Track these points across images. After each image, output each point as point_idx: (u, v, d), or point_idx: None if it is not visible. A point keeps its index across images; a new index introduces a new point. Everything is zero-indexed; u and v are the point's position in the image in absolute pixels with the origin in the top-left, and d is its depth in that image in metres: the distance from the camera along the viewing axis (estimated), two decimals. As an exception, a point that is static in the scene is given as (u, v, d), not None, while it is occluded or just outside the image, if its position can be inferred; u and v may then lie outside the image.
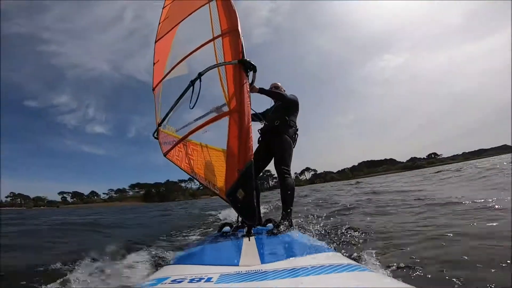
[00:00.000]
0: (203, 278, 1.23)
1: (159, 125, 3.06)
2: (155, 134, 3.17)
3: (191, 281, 1.22)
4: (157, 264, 2.70)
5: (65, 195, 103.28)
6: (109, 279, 2.17)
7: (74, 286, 2.15)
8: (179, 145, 2.74)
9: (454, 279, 1.77)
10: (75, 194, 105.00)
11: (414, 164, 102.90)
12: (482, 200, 4.36)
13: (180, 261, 1.78)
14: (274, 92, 2.82)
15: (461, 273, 1.84)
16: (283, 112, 2.90)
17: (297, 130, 2.96)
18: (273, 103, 3.14)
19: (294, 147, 2.88)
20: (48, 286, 2.19)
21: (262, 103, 3.28)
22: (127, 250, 3.08)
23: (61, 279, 2.25)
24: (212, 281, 1.19)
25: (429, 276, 1.87)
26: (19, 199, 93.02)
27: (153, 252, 3.04)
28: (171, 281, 1.26)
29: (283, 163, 2.66)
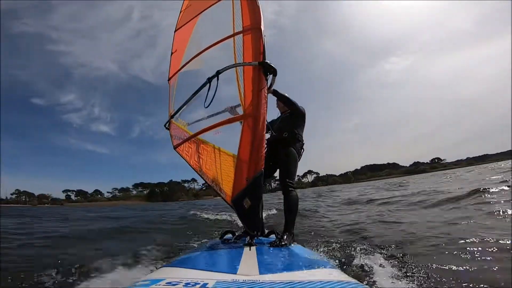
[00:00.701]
0: (199, 283, 1.21)
1: (172, 116, 3.01)
2: (167, 125, 3.13)
3: (186, 285, 1.20)
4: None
5: (69, 193, 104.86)
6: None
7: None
8: (189, 141, 2.69)
9: None
10: (79, 192, 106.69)
11: (416, 168, 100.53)
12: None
13: (177, 264, 1.76)
14: (287, 97, 2.72)
15: None
16: (291, 124, 2.82)
17: (303, 144, 2.88)
18: (279, 114, 3.04)
19: (299, 160, 2.81)
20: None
21: (268, 114, 3.21)
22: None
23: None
24: (207, 287, 1.17)
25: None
26: (23, 196, 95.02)
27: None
28: (166, 283, 1.24)
29: (288, 176, 2.61)
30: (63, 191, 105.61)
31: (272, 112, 3.20)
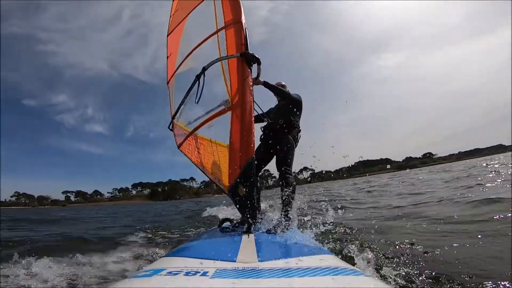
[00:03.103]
0: (199, 272, 1.23)
1: (173, 117, 3.15)
2: (171, 126, 3.27)
3: (187, 274, 1.22)
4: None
5: (68, 194, 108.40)
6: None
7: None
8: (189, 138, 2.80)
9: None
10: (78, 193, 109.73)
11: (408, 164, 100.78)
12: None
13: (177, 253, 1.79)
14: (278, 88, 2.72)
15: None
16: (288, 112, 2.82)
17: (300, 131, 2.88)
18: (277, 102, 3.05)
19: (296, 147, 2.82)
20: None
21: (267, 101, 3.23)
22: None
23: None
24: (208, 275, 1.19)
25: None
26: (23, 199, 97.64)
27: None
28: (166, 273, 1.26)
29: (285, 163, 2.63)
30: (63, 192, 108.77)
31: (270, 100, 3.25)
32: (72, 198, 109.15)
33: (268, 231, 2.18)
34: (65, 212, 20.82)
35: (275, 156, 2.81)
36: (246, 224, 2.17)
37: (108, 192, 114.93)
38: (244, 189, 2.13)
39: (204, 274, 1.21)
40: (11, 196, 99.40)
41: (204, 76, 2.33)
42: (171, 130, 3.29)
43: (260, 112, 2.81)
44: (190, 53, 2.71)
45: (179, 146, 3.06)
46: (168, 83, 3.34)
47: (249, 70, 2.18)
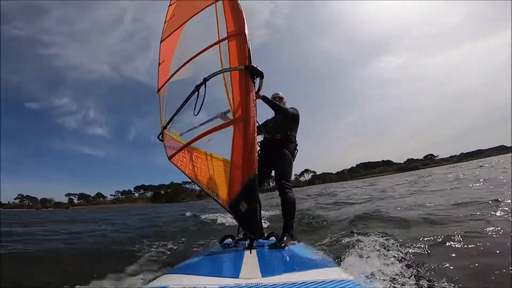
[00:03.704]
0: None
1: (164, 128, 3.01)
2: (160, 136, 3.13)
3: None
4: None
5: (71, 196, 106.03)
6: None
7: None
8: (183, 150, 2.68)
9: None
10: (81, 196, 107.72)
11: (409, 165, 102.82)
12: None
13: (179, 270, 1.77)
14: (276, 104, 2.69)
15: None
16: (285, 126, 2.82)
17: (296, 145, 2.89)
18: (274, 114, 3.04)
19: (293, 161, 2.83)
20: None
21: (263, 114, 3.20)
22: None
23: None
24: None
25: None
26: (26, 201, 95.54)
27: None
28: None
29: (284, 178, 2.62)
30: (66, 195, 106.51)
31: (266, 112, 3.21)
32: (75, 200, 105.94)
33: (271, 247, 2.14)
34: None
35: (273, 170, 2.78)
36: (248, 240, 2.11)
37: (111, 195, 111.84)
38: (246, 205, 2.05)
39: None
40: (15, 199, 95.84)
41: (205, 87, 2.24)
42: (161, 140, 3.15)
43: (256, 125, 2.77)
44: (188, 61, 2.61)
45: (170, 158, 2.92)
46: (159, 90, 3.20)
47: (252, 83, 2.13)
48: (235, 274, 1.47)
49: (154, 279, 2.12)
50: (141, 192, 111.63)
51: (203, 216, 9.56)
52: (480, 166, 19.28)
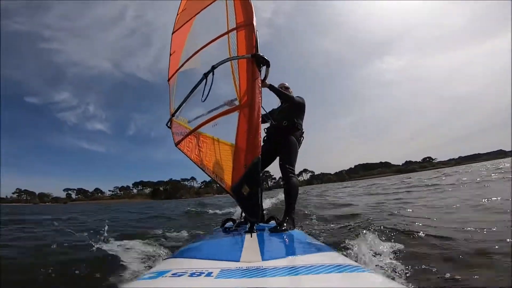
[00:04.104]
0: (204, 273, 1.24)
1: (173, 115, 3.12)
2: (169, 123, 3.23)
3: (192, 275, 1.23)
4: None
5: (70, 191, 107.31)
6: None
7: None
8: (190, 136, 2.78)
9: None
10: (79, 191, 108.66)
11: (407, 168, 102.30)
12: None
13: (181, 254, 1.79)
14: (282, 92, 2.78)
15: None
16: (291, 114, 2.89)
17: (303, 132, 2.95)
18: (280, 103, 3.11)
19: (299, 148, 2.89)
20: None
21: (269, 103, 3.28)
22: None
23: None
24: (212, 276, 1.20)
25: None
26: (24, 195, 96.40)
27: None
28: (171, 274, 1.27)
29: (289, 162, 2.67)
30: (64, 190, 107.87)
31: (271, 101, 3.29)
32: (73, 195, 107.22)
33: (271, 230, 2.19)
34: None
35: (278, 157, 2.84)
36: (249, 223, 2.18)
37: (109, 190, 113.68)
38: (249, 189, 2.13)
39: (209, 274, 1.21)
40: (13, 193, 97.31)
41: (213, 74, 2.34)
42: (169, 127, 3.25)
43: (263, 113, 2.84)
44: (198, 51, 2.72)
45: (177, 144, 3.02)
46: (169, 80, 3.31)
47: (258, 71, 2.21)
48: (236, 258, 1.48)
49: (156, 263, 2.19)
50: (139, 188, 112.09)
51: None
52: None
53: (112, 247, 3.40)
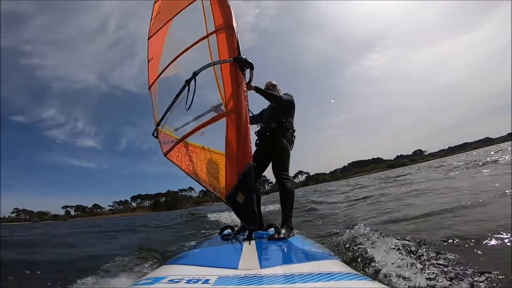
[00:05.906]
0: (201, 280, 1.23)
1: (158, 124, 3.01)
2: (155, 133, 3.13)
3: (189, 281, 1.22)
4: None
5: (68, 208, 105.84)
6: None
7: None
8: (178, 145, 2.69)
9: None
10: (78, 208, 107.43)
11: (398, 162, 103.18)
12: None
13: (179, 261, 1.78)
14: (269, 93, 2.69)
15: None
16: (280, 113, 2.81)
17: (294, 131, 2.88)
18: (269, 103, 3.04)
19: (291, 149, 2.80)
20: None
21: (258, 104, 3.22)
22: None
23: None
24: (209, 283, 1.18)
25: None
26: (23, 215, 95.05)
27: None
28: (168, 280, 1.26)
29: (281, 168, 2.61)
30: (62, 207, 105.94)
31: (260, 104, 3.25)
32: (72, 212, 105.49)
33: (270, 238, 2.17)
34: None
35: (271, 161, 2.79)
36: (247, 231, 2.14)
37: (108, 206, 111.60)
38: (244, 197, 2.08)
39: (206, 282, 1.20)
40: (11, 213, 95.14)
41: (195, 81, 2.25)
42: (156, 137, 3.15)
43: (251, 115, 2.77)
44: (177, 57, 2.61)
45: (165, 154, 2.93)
46: (150, 88, 3.19)
47: (242, 74, 2.15)
48: (234, 265, 1.47)
49: (154, 270, 2.14)
50: (138, 201, 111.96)
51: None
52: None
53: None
